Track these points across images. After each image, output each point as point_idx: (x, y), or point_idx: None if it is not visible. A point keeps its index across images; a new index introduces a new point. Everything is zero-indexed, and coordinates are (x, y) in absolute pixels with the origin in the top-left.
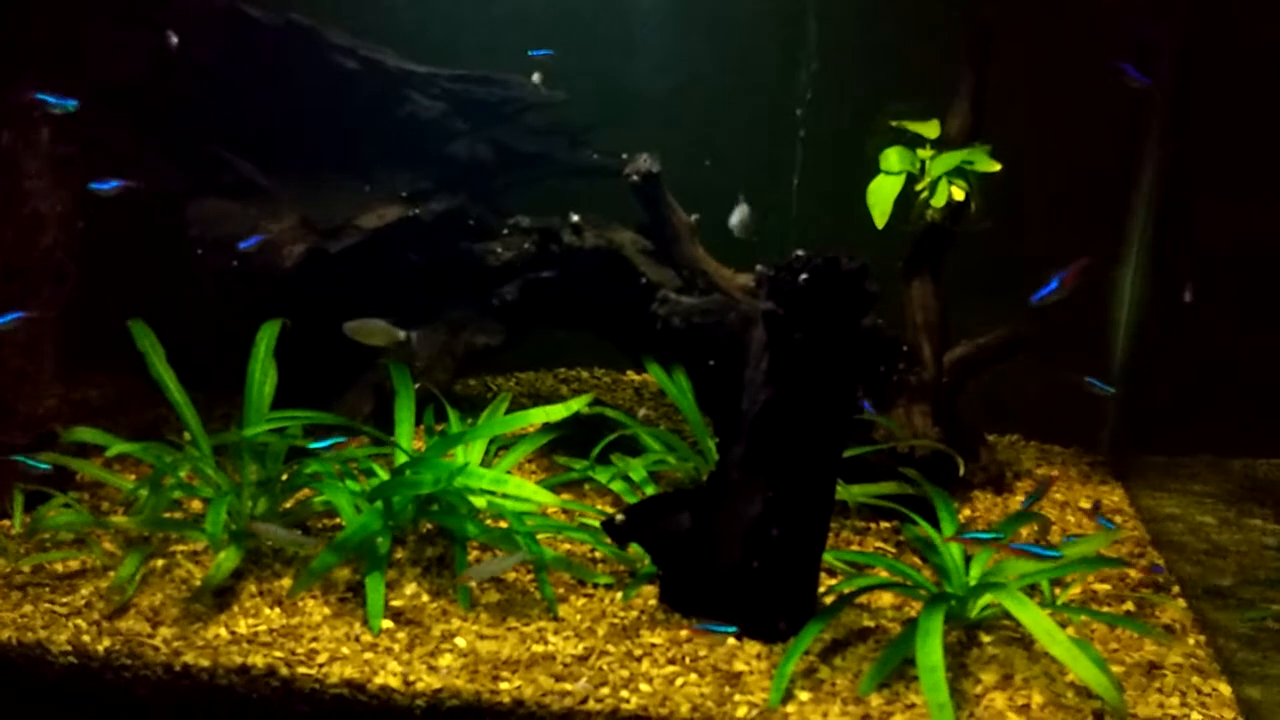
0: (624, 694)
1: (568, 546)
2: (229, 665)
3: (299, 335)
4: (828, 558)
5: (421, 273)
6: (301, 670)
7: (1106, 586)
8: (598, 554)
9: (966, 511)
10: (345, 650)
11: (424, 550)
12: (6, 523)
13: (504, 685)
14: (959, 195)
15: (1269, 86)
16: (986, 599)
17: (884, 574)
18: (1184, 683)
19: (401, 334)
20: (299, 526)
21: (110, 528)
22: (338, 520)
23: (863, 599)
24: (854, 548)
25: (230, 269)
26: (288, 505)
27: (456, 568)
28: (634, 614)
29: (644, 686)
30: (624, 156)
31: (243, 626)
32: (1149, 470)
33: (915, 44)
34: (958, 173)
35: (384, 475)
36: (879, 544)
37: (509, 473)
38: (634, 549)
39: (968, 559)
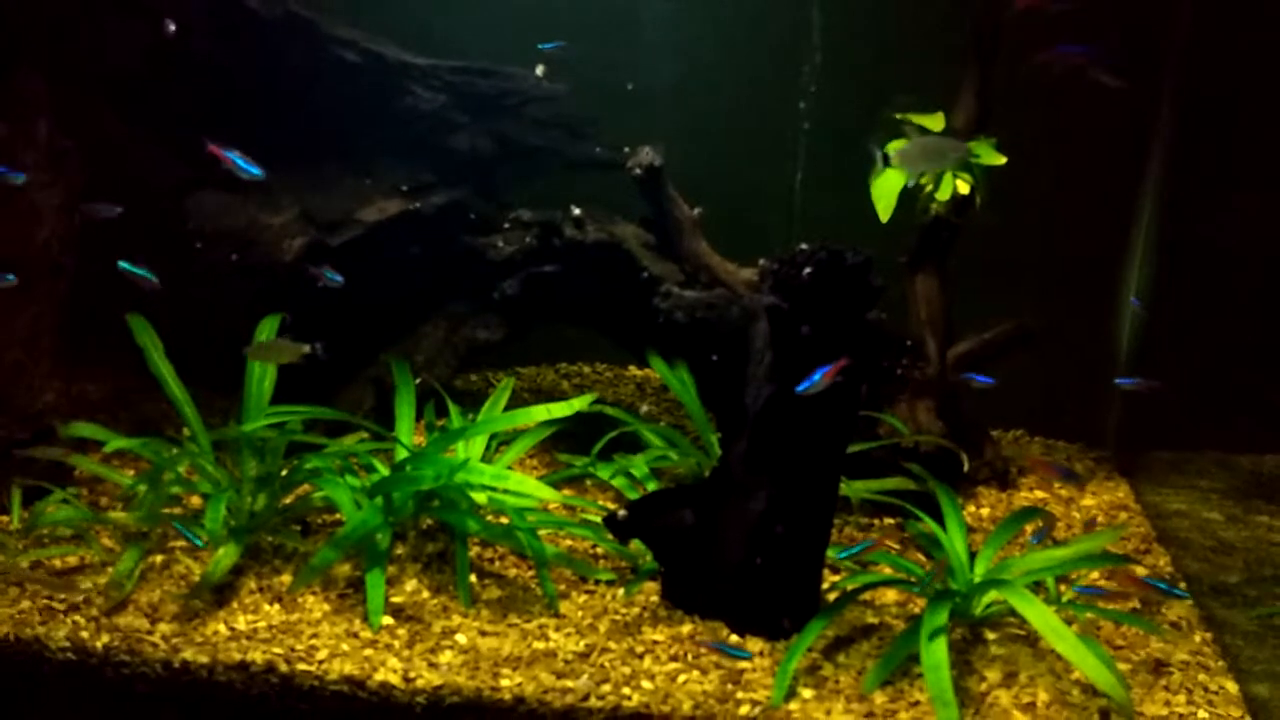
0: (625, 691)
1: (569, 543)
2: (228, 662)
3: (298, 329)
4: (831, 554)
5: (422, 266)
6: (301, 667)
7: (1113, 583)
8: (599, 550)
9: (971, 508)
10: (345, 647)
11: (424, 546)
12: (4, 518)
13: (505, 682)
14: (964, 189)
15: (1274, 82)
16: (991, 596)
17: (888, 571)
18: (1191, 680)
19: (306, 347)
20: (299, 522)
21: (109, 523)
22: (338, 516)
23: (866, 596)
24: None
25: (229, 262)
26: (287, 501)
27: (458, 564)
28: (636, 611)
29: (646, 684)
30: (626, 150)
31: (242, 623)
32: (1155, 466)
33: (921, 36)
34: (963, 166)
35: (384, 471)
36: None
37: (510, 468)
38: (636, 545)
39: (972, 555)
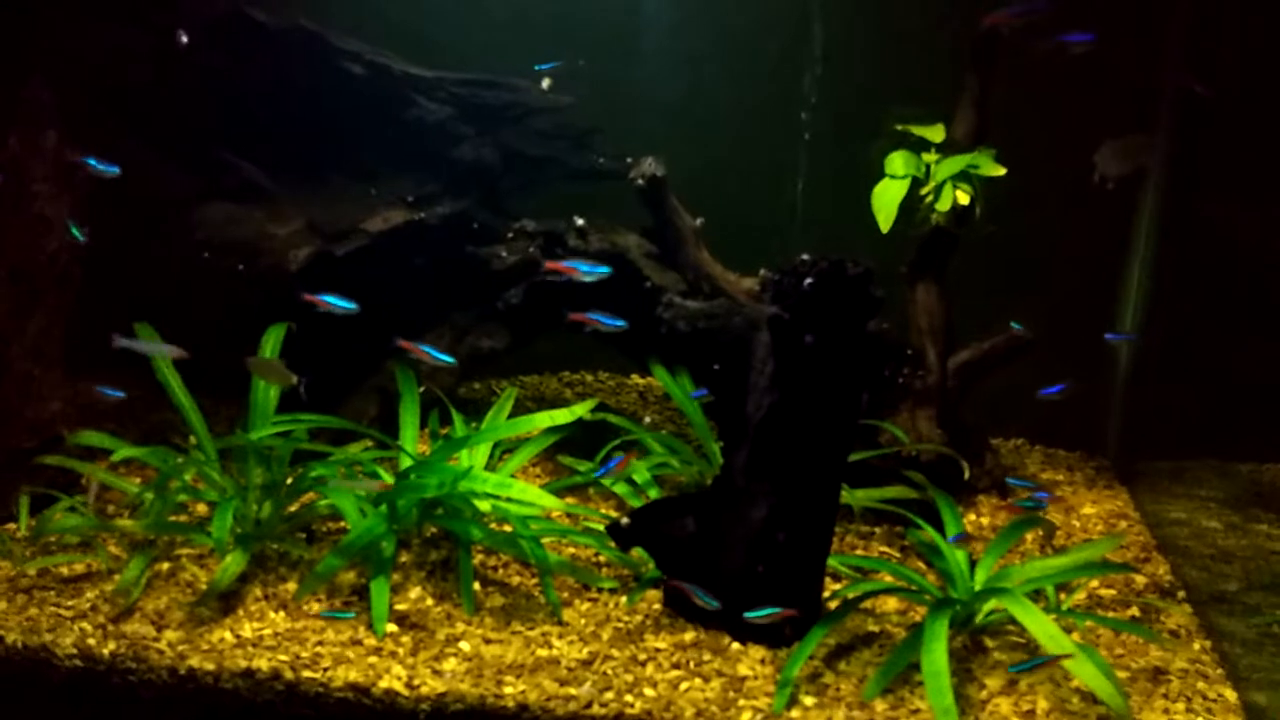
0: (628, 698)
1: (572, 550)
2: (234, 669)
3: (304, 339)
4: (832, 562)
5: (427, 276)
6: (306, 674)
7: (1112, 592)
8: (602, 558)
9: (971, 516)
10: (350, 654)
11: (428, 554)
12: (12, 526)
13: (508, 689)
14: (964, 199)
15: (1273, 89)
16: (991, 604)
17: (889, 579)
18: (1189, 688)
19: (294, 378)
20: (304, 530)
21: (116, 531)
22: (343, 524)
23: (867, 604)
24: (859, 552)
25: (236, 272)
26: (293, 509)
27: (461, 572)
28: (638, 618)
29: (648, 691)
30: (629, 160)
31: (248, 630)
32: (1154, 475)
33: (920, 47)
34: (962, 177)
35: (388, 479)
36: (884, 549)
37: (513, 476)
38: (638, 553)
39: (973, 564)
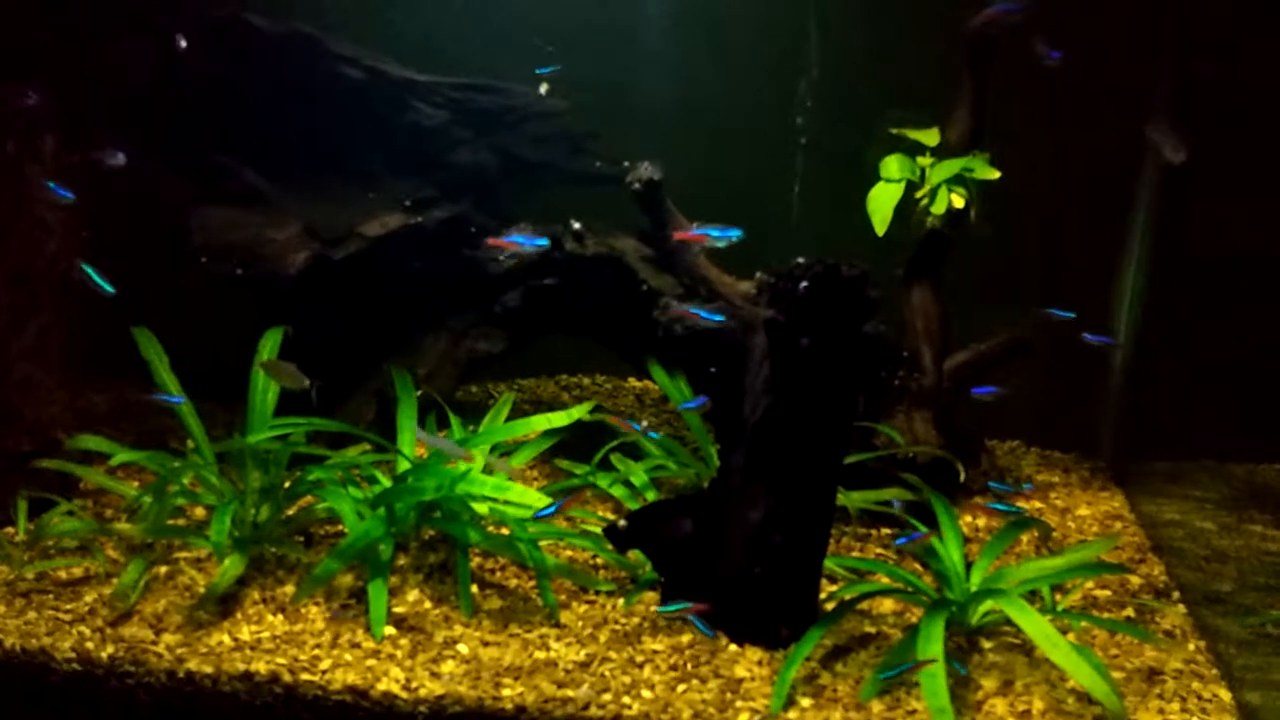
0: (626, 700)
1: (569, 553)
2: (232, 672)
3: (301, 342)
4: (829, 564)
5: (424, 280)
6: (305, 677)
7: (1107, 592)
8: (599, 560)
9: (967, 518)
10: (348, 657)
11: (426, 557)
12: (11, 530)
13: (506, 692)
14: (959, 202)
15: (1270, 88)
16: (987, 605)
17: (885, 580)
18: (1184, 688)
19: (306, 381)
20: (302, 533)
21: (114, 535)
22: (340, 527)
23: (864, 605)
24: (855, 554)
25: (234, 276)
26: (290, 512)
27: (459, 574)
28: (636, 620)
29: (646, 693)
30: (625, 164)
31: (246, 633)
32: (1150, 476)
33: (915, 51)
34: (957, 180)
35: (386, 482)
36: (880, 550)
37: (511, 479)
38: (635, 555)
39: (968, 565)
